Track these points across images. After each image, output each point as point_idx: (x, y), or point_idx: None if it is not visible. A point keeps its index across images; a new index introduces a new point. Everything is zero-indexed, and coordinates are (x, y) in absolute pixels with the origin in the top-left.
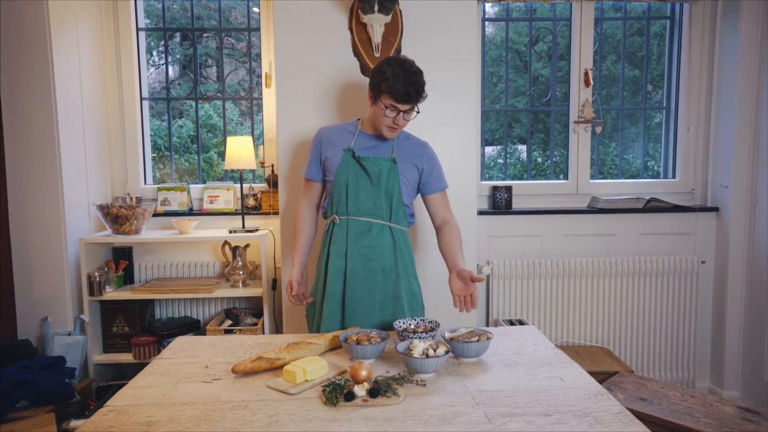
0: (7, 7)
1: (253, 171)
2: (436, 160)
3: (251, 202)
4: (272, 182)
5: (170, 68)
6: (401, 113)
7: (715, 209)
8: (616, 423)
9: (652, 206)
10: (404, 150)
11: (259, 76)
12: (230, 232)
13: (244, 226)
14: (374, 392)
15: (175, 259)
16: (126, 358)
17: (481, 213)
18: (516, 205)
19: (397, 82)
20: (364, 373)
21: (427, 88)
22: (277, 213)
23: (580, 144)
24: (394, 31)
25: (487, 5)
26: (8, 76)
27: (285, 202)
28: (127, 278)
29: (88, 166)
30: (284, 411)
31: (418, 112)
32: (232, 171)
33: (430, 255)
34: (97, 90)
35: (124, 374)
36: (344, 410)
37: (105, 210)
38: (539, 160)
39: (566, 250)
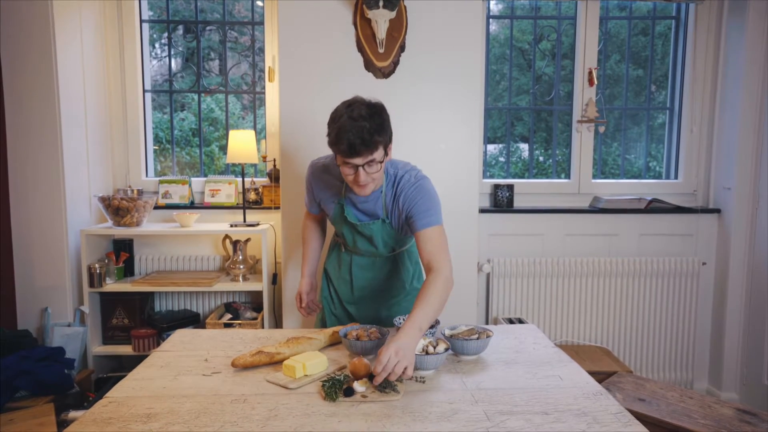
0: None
1: (254, 165)
2: (418, 201)
3: (252, 196)
4: (274, 177)
5: (172, 61)
6: (360, 168)
7: (717, 211)
8: (614, 423)
9: (654, 207)
10: (392, 199)
11: (262, 70)
12: (231, 226)
13: (245, 220)
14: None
15: (175, 252)
16: (125, 350)
17: (482, 211)
18: (517, 203)
19: (340, 136)
20: (363, 369)
21: (429, 84)
22: (278, 208)
23: (583, 143)
24: (398, 27)
25: (492, 2)
26: (11, 67)
27: (286, 196)
28: (128, 270)
29: (89, 158)
30: (283, 405)
31: (386, 155)
32: (234, 165)
33: None
34: (99, 82)
35: (123, 366)
36: (343, 405)
37: (106, 202)
38: (541, 158)
39: (567, 250)
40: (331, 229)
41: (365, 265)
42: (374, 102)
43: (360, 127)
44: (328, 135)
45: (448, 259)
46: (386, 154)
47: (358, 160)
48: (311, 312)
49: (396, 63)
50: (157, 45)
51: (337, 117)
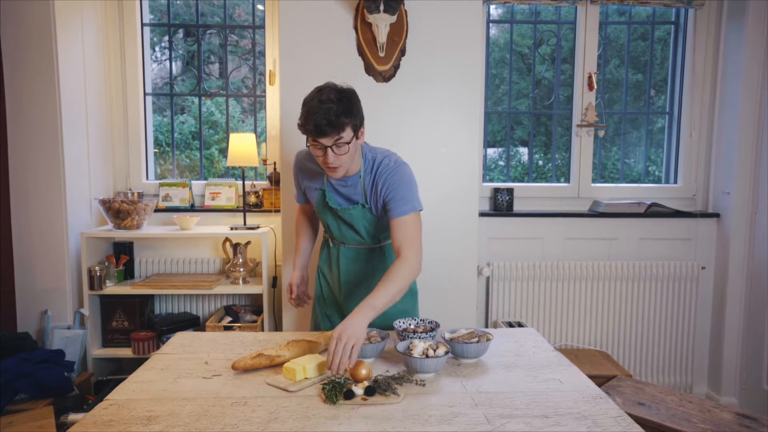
0: (13, 2)
1: (254, 168)
2: (396, 185)
3: (253, 199)
4: (274, 180)
5: (173, 64)
6: (329, 149)
7: (716, 215)
8: (614, 426)
9: (654, 211)
10: (371, 184)
11: (263, 74)
12: (231, 228)
13: (245, 223)
14: (370, 390)
15: (175, 255)
16: (125, 352)
17: (482, 214)
18: (517, 207)
19: (308, 117)
20: (363, 372)
21: (429, 87)
22: (278, 211)
23: (583, 147)
24: (399, 31)
25: (492, 7)
26: (13, 70)
27: (287, 200)
28: (128, 273)
29: (90, 161)
30: (284, 408)
31: (355, 135)
32: (234, 168)
33: (429, 252)
34: (100, 85)
35: (122, 369)
36: (344, 408)
37: (107, 204)
38: (540, 162)
39: (567, 254)
40: (322, 228)
41: (352, 257)
42: (345, 87)
43: (327, 109)
44: (299, 118)
45: (419, 246)
46: (356, 137)
47: (325, 140)
48: (300, 304)
49: (396, 67)
50: (157, 48)
51: (308, 100)
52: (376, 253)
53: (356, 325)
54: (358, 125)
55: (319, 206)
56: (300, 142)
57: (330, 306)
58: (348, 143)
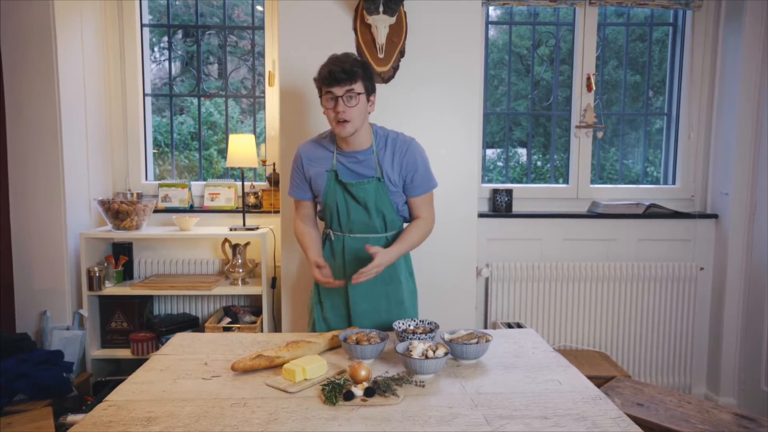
0: (12, 2)
1: (254, 169)
2: (419, 163)
3: (252, 200)
4: (273, 181)
5: (172, 65)
6: (340, 99)
7: (715, 216)
8: (613, 427)
9: (652, 212)
10: (387, 158)
11: (262, 75)
12: (231, 229)
13: (244, 224)
14: (370, 392)
15: (174, 255)
16: (124, 353)
17: (481, 215)
18: (516, 208)
19: (324, 69)
20: (363, 373)
21: (428, 89)
22: (278, 212)
23: (581, 148)
24: (398, 32)
25: (491, 8)
26: (13, 70)
27: (286, 200)
28: (127, 274)
29: (89, 161)
30: (283, 409)
31: (366, 94)
32: (233, 169)
33: (428, 253)
34: (100, 85)
35: (121, 370)
36: (343, 409)
37: (106, 205)
38: (539, 163)
39: (566, 254)
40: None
41: (358, 248)
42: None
43: (343, 60)
44: (316, 74)
45: (433, 211)
46: (368, 98)
47: (337, 89)
48: (328, 280)
49: (396, 68)
50: (156, 49)
51: (325, 62)
52: (381, 243)
53: (386, 264)
54: (369, 87)
55: (329, 189)
56: (299, 143)
57: (327, 309)
58: (359, 95)
